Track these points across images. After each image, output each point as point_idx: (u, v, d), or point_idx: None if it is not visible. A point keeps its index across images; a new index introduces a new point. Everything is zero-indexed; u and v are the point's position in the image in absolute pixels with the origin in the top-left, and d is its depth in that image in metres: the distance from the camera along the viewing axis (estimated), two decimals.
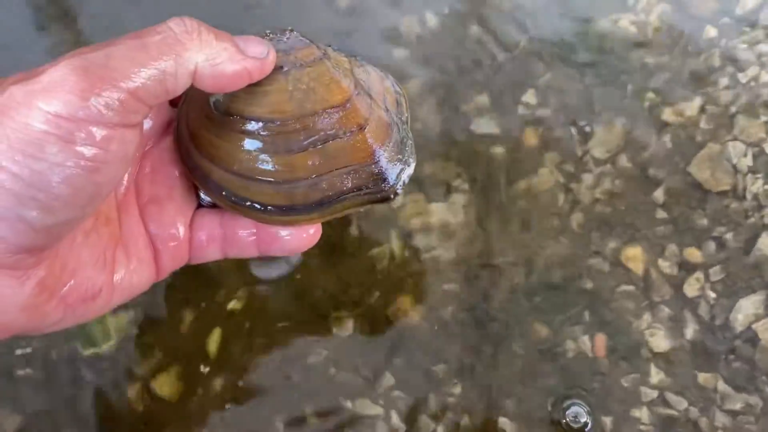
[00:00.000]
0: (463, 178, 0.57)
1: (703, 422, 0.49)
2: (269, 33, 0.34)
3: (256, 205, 0.33)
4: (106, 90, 0.26)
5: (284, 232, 0.35)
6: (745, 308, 0.51)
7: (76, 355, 0.52)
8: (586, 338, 0.52)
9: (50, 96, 0.25)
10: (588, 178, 0.57)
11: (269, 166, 0.33)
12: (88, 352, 0.52)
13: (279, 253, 0.35)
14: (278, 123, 0.32)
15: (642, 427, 0.49)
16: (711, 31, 0.61)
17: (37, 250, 0.28)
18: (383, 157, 0.34)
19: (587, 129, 0.58)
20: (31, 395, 0.51)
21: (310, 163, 0.33)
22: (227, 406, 0.51)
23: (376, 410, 0.50)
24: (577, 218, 0.55)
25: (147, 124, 0.34)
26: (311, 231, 0.35)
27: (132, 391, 0.51)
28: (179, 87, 0.29)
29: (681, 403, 0.50)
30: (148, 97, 0.27)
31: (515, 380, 0.51)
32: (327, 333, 0.53)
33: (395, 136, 0.35)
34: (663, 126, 0.58)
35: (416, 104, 0.60)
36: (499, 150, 0.58)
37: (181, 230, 0.35)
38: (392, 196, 0.34)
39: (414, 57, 0.62)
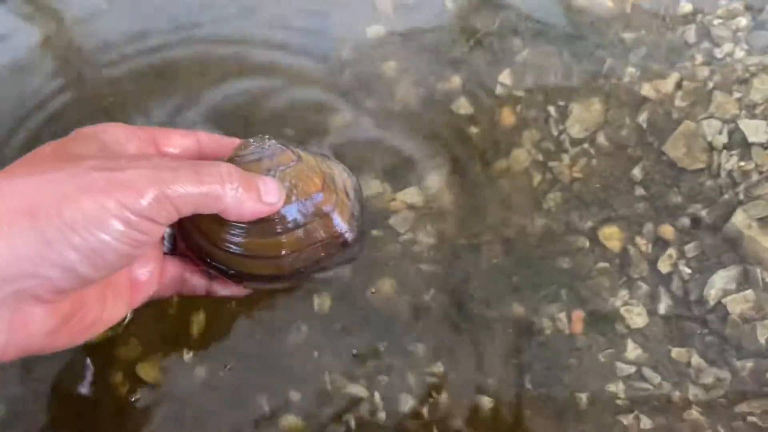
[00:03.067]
0: (440, 158, 0.57)
1: (676, 396, 0.51)
2: (253, 141, 0.43)
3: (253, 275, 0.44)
4: (166, 202, 0.35)
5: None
6: (717, 283, 0.53)
7: None
8: (563, 315, 0.53)
9: (126, 192, 0.33)
10: (566, 157, 0.57)
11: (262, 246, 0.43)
12: None
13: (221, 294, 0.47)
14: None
15: (618, 401, 0.51)
16: (687, 6, 0.60)
17: (71, 292, 0.34)
18: (348, 231, 0.45)
19: (564, 107, 0.58)
20: (13, 384, 0.51)
21: (293, 240, 0.43)
22: (211, 388, 0.51)
23: (359, 390, 0.51)
24: (555, 197, 0.56)
25: None
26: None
27: (117, 377, 0.51)
28: (207, 213, 0.38)
29: (655, 378, 0.51)
30: (185, 211, 0.37)
31: (494, 359, 0.52)
32: (310, 313, 0.53)
33: (356, 214, 0.46)
34: (641, 102, 0.58)
35: (394, 83, 0.59)
36: (475, 130, 0.58)
37: (156, 273, 0.43)
38: (356, 258, 0.48)
39: (390, 33, 0.61)
